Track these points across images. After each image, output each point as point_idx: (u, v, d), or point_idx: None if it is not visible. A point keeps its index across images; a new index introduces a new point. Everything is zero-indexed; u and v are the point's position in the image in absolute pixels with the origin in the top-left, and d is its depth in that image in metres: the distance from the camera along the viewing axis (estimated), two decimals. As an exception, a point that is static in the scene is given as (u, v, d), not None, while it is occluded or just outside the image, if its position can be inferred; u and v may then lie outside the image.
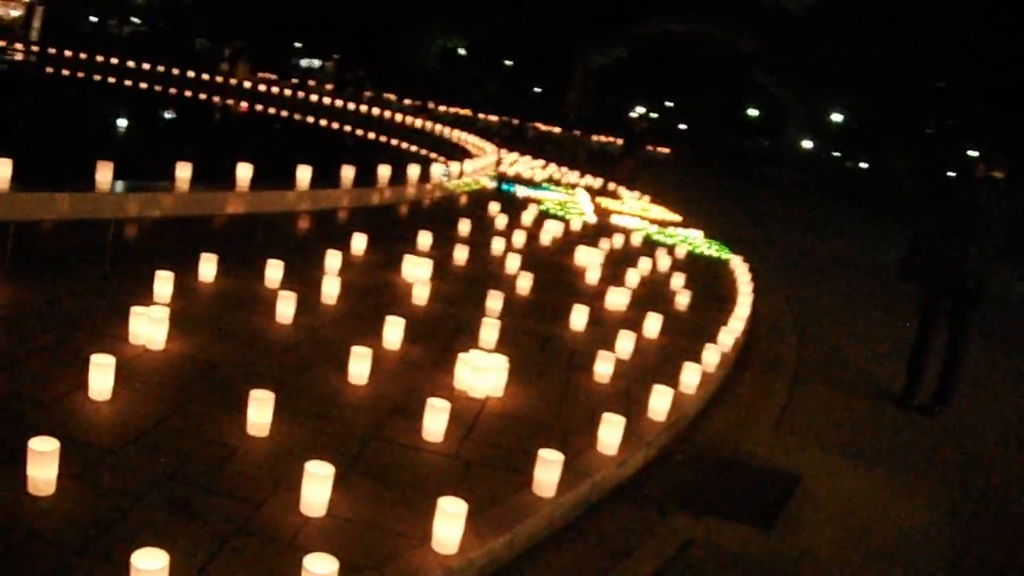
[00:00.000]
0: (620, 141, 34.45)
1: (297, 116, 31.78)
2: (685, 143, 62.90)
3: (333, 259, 9.13)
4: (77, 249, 8.38)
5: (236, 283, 8.10)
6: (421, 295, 8.81)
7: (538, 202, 17.93)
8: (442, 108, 44.69)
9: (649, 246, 14.80)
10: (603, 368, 7.42)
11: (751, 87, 68.79)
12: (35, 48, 38.49)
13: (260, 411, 5.15)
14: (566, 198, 19.72)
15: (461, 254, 11.00)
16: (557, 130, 40.72)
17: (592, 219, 17.40)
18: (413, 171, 14.72)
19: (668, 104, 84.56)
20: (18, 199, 8.02)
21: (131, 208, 9.35)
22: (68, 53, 33.77)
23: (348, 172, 12.66)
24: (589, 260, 12.32)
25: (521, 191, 19.36)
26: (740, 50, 62.83)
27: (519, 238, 12.89)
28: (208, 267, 8.07)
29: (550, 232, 14.23)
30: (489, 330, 7.73)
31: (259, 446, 5.02)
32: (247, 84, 35.73)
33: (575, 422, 6.32)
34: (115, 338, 6.09)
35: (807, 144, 67.93)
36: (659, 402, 6.73)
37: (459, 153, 22.53)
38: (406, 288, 9.05)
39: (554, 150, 34.29)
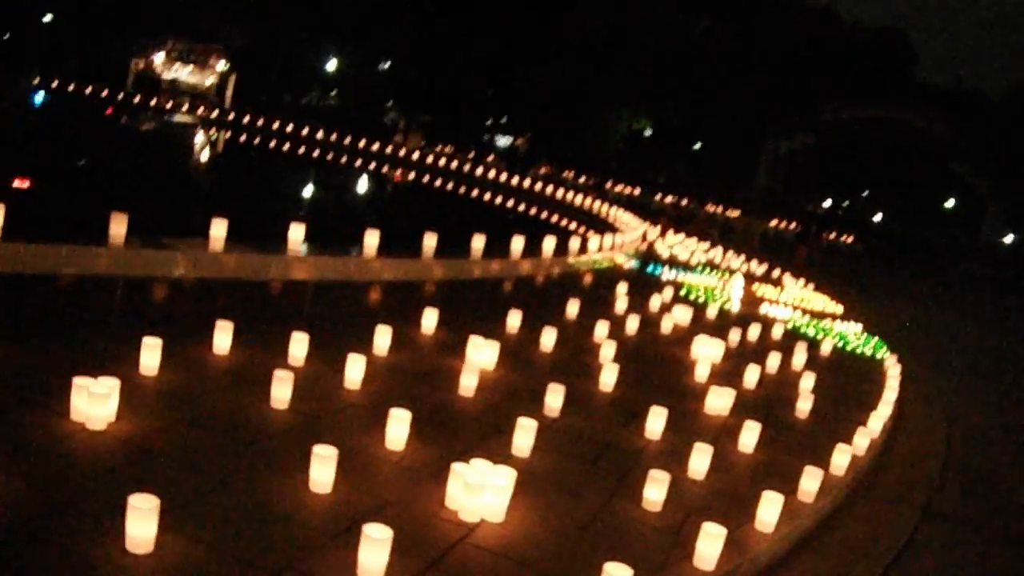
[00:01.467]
0: (793, 227, 32.28)
1: (464, 190, 31.28)
2: (876, 234, 59.28)
3: (383, 336, 7.95)
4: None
5: (253, 355, 7.01)
6: (469, 384, 7.44)
7: (680, 285, 16.40)
8: (618, 188, 43.59)
9: (790, 339, 12.98)
10: (655, 493, 5.84)
11: (948, 177, 64.70)
12: (230, 115, 39.74)
13: (141, 524, 3.96)
14: (717, 283, 18.04)
15: (549, 338, 9.58)
16: (735, 213, 38.83)
17: (736, 307, 15.67)
18: (517, 243, 13.52)
19: (863, 194, 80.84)
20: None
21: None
22: (260, 121, 34.80)
23: (479, 242, 12.26)
24: (706, 353, 10.73)
25: (668, 273, 17.82)
26: (935, 137, 59.19)
27: (632, 324, 11.43)
28: (223, 337, 7.02)
29: (675, 319, 12.70)
30: (524, 433, 6.27)
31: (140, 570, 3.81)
32: (415, 155, 35.60)
33: (585, 565, 4.81)
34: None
35: (1008, 239, 63.11)
36: (712, 547, 5.11)
37: (607, 229, 21.21)
38: (458, 375, 7.68)
39: (722, 233, 32.53)
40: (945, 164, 62.37)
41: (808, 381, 10.20)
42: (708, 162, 65.39)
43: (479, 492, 5.06)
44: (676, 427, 7.61)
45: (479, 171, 33.47)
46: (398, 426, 5.85)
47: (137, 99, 38.70)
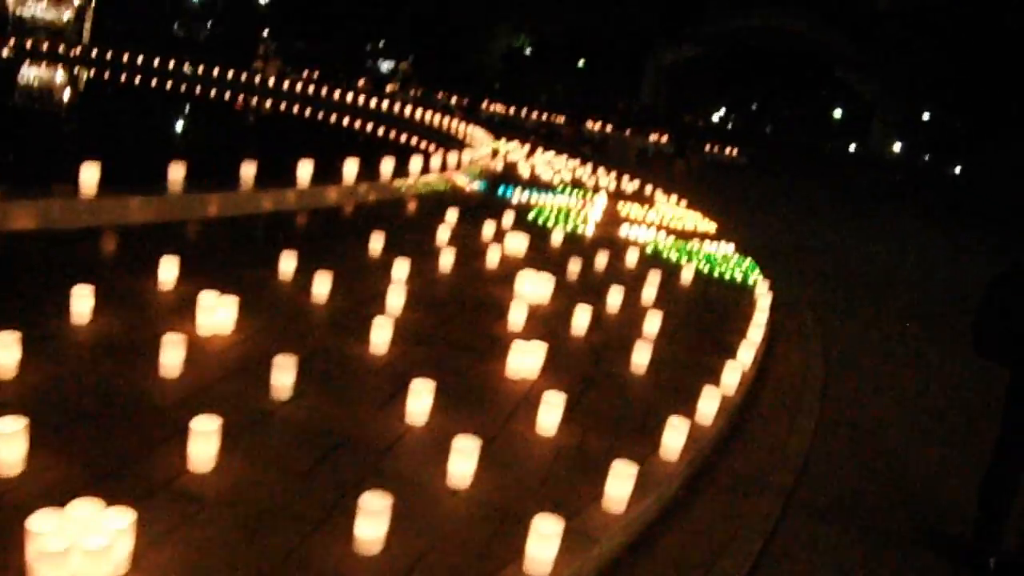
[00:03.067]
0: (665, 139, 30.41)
1: (321, 115, 28.65)
2: (763, 146, 57.73)
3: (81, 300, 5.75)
4: None
5: None
6: (174, 362, 5.26)
7: (530, 208, 14.32)
8: (493, 108, 41.19)
9: (647, 266, 11.00)
10: (371, 528, 3.76)
11: (835, 86, 63.71)
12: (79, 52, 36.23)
13: None
14: (575, 204, 15.97)
15: (323, 285, 7.39)
16: (608, 129, 36.68)
17: (591, 230, 13.64)
18: (349, 168, 11.25)
19: (752, 107, 79.80)
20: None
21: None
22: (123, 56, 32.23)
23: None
24: (531, 291, 8.66)
25: (521, 195, 15.68)
26: (821, 45, 57.89)
27: (447, 260, 9.28)
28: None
29: (509, 250, 10.61)
30: (202, 442, 4.12)
31: None
32: (271, 82, 32.66)
33: None
34: None
35: (896, 147, 62.62)
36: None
37: (458, 147, 18.93)
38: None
39: (595, 150, 30.53)
40: (832, 73, 61.30)
41: (654, 322, 8.20)
42: (591, 79, 63.28)
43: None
44: (456, 403, 5.58)
45: (349, 97, 30.58)
46: None
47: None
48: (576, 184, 19.27)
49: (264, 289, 7.41)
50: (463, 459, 4.60)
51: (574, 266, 10.06)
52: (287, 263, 7.87)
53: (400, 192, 12.59)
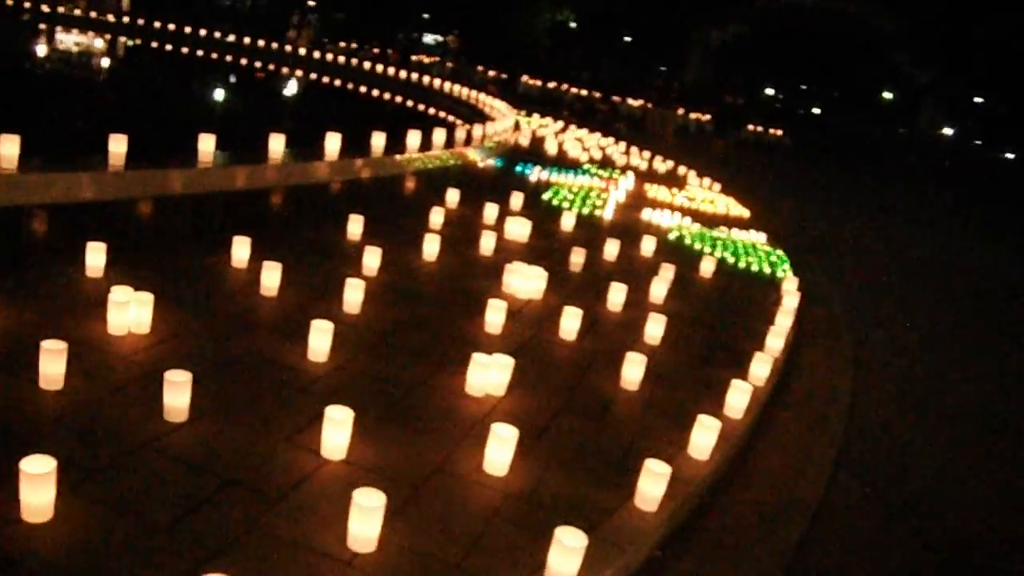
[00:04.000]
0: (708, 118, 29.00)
1: (352, 86, 27.68)
2: (810, 127, 55.57)
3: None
4: None
5: None
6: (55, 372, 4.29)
7: (548, 188, 13.25)
8: (534, 83, 39.86)
9: (664, 256, 9.87)
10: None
11: (886, 69, 61.39)
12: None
13: None
14: (598, 184, 14.83)
15: (273, 276, 6.36)
16: (648, 106, 35.19)
17: (608, 214, 12.50)
18: (332, 142, 10.18)
19: (802, 88, 77.46)
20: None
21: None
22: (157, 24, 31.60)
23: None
24: (520, 286, 7.58)
25: (540, 173, 14.57)
26: (873, 27, 55.75)
27: (432, 246, 8.23)
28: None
29: (511, 234, 9.56)
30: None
31: None
32: (310, 53, 31.69)
33: None
34: None
35: (947, 131, 60.33)
36: None
37: (480, 120, 17.81)
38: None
39: (631, 127, 29.21)
40: (882, 54, 59.08)
41: (658, 326, 7.08)
42: (636, 56, 61.56)
43: None
44: (395, 429, 4.58)
45: (380, 69, 29.50)
46: None
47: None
48: (604, 163, 18.11)
49: (210, 279, 6.42)
50: (365, 518, 3.55)
51: (578, 257, 8.92)
52: (240, 249, 6.86)
53: (400, 168, 11.51)
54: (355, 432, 4.32)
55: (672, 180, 17.83)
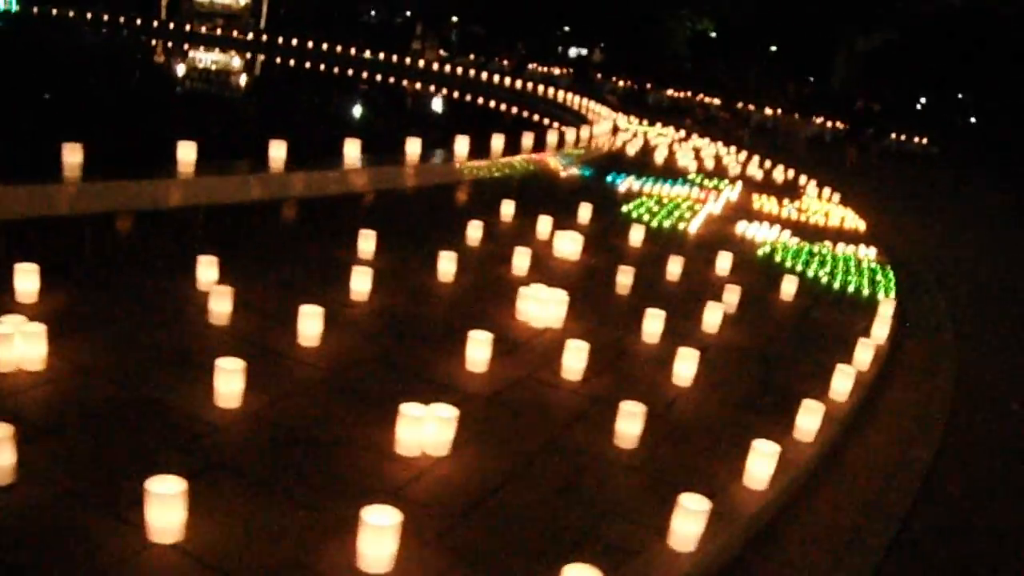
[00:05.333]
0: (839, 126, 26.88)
1: (470, 97, 27.10)
2: (961, 137, 51.48)
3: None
4: None
5: None
6: None
7: (635, 198, 12.02)
8: (667, 93, 38.28)
9: (743, 274, 8.51)
10: None
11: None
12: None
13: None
14: (698, 195, 13.44)
15: (223, 304, 5.37)
16: (777, 113, 33.10)
17: (695, 227, 11.15)
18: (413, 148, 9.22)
19: (958, 96, 72.90)
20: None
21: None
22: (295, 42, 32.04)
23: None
24: (539, 314, 6.39)
25: (633, 183, 13.31)
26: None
27: (447, 266, 7.12)
28: None
29: (561, 251, 8.39)
30: None
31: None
32: (435, 67, 31.23)
33: None
34: None
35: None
36: None
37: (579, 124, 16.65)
38: None
39: (755, 134, 27.35)
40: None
41: (688, 364, 5.74)
42: (780, 65, 58.99)
43: None
44: (281, 506, 3.51)
45: (496, 79, 28.72)
46: None
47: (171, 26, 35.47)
48: (715, 174, 16.63)
49: (165, 303, 5.50)
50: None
51: (625, 277, 7.64)
52: (207, 270, 5.90)
53: (455, 176, 10.44)
54: (213, 504, 3.26)
55: (788, 191, 16.21)
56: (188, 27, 36.01)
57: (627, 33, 58.86)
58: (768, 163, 19.24)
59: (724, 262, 8.97)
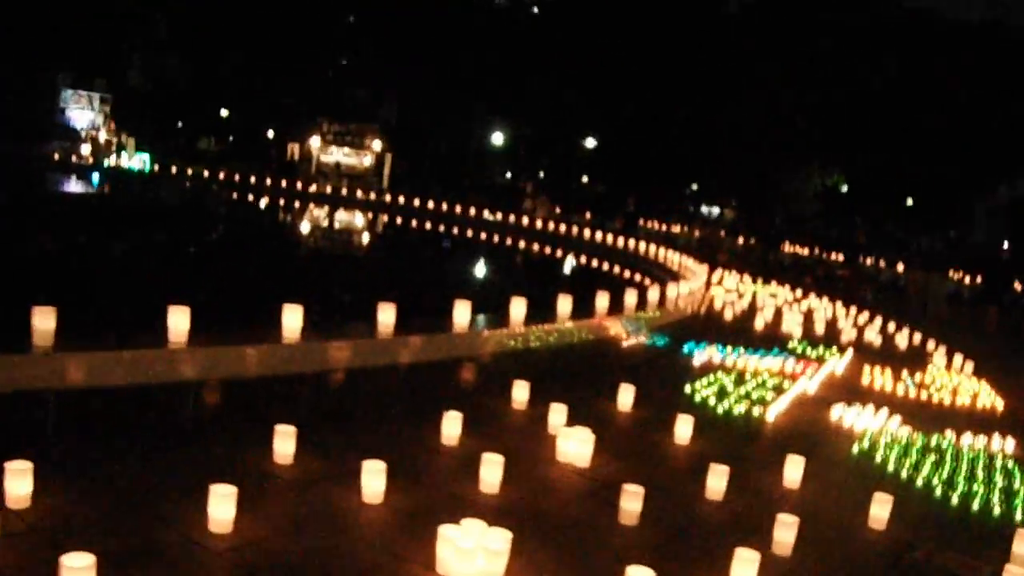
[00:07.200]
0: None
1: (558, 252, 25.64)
2: None
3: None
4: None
5: None
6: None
7: (708, 371, 9.76)
8: (794, 250, 35.83)
9: (817, 487, 6.13)
10: None
11: None
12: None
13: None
14: (793, 368, 11.03)
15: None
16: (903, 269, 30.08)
17: (775, 412, 8.75)
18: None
19: None
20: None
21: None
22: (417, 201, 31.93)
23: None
24: (460, 570, 4.20)
25: (714, 353, 11.08)
26: None
27: (374, 481, 5.05)
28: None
29: (564, 453, 6.23)
30: None
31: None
32: (539, 223, 29.93)
33: None
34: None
35: None
36: None
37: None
38: None
39: (880, 292, 24.51)
40: None
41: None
42: (918, 218, 55.64)
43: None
44: None
45: (599, 238, 27.08)
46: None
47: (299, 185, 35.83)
48: (823, 340, 14.13)
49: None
50: None
51: (632, 503, 5.35)
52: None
53: (475, 348, 8.34)
54: None
55: (910, 360, 13.56)
56: (314, 186, 36.15)
57: (754, 190, 56.95)
58: (893, 326, 16.60)
59: (794, 471, 6.55)
